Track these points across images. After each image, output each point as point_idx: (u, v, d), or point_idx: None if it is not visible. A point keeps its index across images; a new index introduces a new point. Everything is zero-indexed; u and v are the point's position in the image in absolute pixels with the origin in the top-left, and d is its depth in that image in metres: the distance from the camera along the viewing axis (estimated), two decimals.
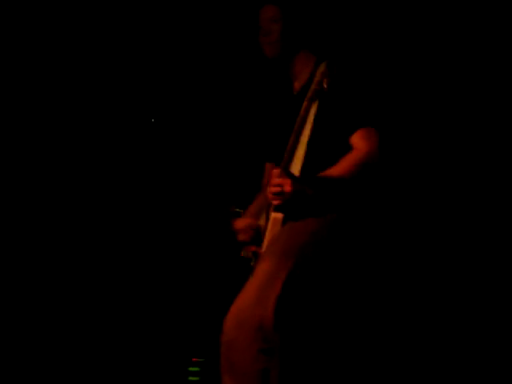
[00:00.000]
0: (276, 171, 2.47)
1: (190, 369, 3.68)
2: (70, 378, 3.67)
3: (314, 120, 2.49)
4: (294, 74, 2.78)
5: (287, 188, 2.43)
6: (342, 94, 2.59)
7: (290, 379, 2.47)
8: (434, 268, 3.42)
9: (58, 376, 3.67)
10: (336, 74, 2.47)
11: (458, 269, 3.37)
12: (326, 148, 2.63)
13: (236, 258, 2.89)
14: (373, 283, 2.96)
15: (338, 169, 2.54)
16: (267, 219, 2.68)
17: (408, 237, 3.45)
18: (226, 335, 2.46)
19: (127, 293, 3.91)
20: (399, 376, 3.21)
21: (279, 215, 2.61)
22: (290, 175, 2.47)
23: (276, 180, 2.45)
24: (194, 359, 3.67)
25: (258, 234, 2.75)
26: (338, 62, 2.51)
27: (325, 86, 2.45)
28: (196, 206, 3.96)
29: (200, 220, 3.91)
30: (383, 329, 3.13)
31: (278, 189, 2.45)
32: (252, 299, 2.48)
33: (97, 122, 3.97)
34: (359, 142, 2.58)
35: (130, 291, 3.90)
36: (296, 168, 2.55)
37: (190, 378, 3.64)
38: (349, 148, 2.61)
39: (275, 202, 2.49)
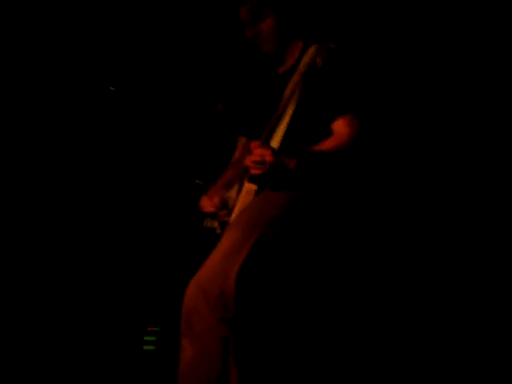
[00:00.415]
0: (258, 142, 2.46)
1: (146, 338, 3.66)
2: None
3: (300, 97, 2.50)
4: (278, 57, 2.75)
5: (268, 158, 2.42)
6: (334, 76, 2.59)
7: (247, 350, 2.46)
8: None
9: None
10: (332, 55, 2.47)
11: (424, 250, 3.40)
12: (306, 127, 2.63)
13: (198, 228, 2.89)
14: (336, 265, 2.94)
15: (320, 148, 2.55)
16: (240, 190, 2.67)
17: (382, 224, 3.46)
18: (188, 301, 2.43)
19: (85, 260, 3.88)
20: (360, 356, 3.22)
21: (253, 186, 2.59)
22: (271, 147, 2.48)
23: (257, 150, 2.44)
24: (150, 328, 3.65)
25: (224, 206, 2.73)
26: (333, 43, 2.50)
27: (319, 63, 2.45)
28: (159, 178, 3.94)
29: (163, 192, 3.89)
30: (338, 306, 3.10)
31: (258, 158, 2.43)
32: (215, 267, 2.45)
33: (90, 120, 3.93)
34: (342, 127, 2.60)
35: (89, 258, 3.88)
36: (274, 144, 2.56)
37: (146, 347, 3.62)
38: (328, 130, 2.62)
39: (254, 171, 2.47)
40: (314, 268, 2.62)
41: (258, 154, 2.44)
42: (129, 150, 3.96)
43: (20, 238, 3.82)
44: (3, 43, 3.80)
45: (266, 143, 2.51)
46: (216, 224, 2.77)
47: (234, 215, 2.64)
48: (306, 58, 2.56)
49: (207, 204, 2.74)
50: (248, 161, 2.47)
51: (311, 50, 2.57)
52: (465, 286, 3.40)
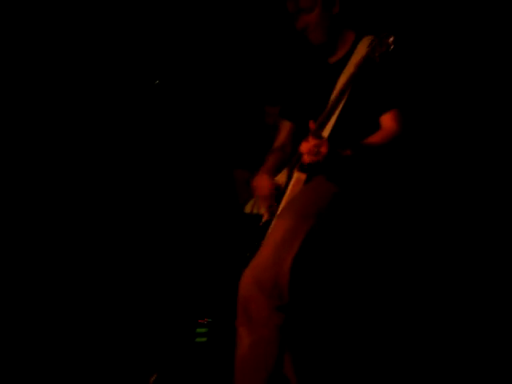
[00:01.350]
0: (312, 131, 2.48)
1: (198, 330, 3.69)
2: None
3: (355, 89, 2.53)
4: (329, 47, 2.76)
5: (323, 149, 2.44)
6: (391, 72, 2.62)
7: (300, 337, 2.49)
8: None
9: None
10: (390, 50, 2.47)
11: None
12: (357, 119, 2.66)
13: (242, 215, 2.91)
14: (387, 255, 2.95)
15: (370, 141, 2.58)
16: (289, 177, 2.69)
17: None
18: (244, 290, 2.47)
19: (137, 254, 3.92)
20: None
21: (303, 175, 2.62)
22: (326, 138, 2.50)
23: (313, 140, 2.45)
24: (201, 320, 3.68)
25: (276, 191, 2.75)
26: (389, 36, 2.50)
27: (377, 58, 2.46)
28: (200, 167, 3.96)
29: (206, 180, 3.92)
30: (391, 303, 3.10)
31: (313, 148, 2.45)
32: (269, 257, 2.49)
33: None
34: (390, 122, 2.63)
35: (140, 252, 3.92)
36: (325, 133, 2.58)
37: (198, 339, 3.66)
38: (376, 123, 2.65)
39: (308, 160, 2.48)
40: (362, 257, 2.63)
41: (313, 144, 2.46)
42: (172, 143, 3.99)
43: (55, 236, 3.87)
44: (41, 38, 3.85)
45: (318, 132, 2.52)
46: (263, 210, 2.80)
47: (283, 203, 2.66)
48: (360, 50, 2.59)
49: (262, 186, 2.76)
50: (303, 149, 2.48)
51: (365, 42, 2.60)
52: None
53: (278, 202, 2.70)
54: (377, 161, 2.62)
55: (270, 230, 2.63)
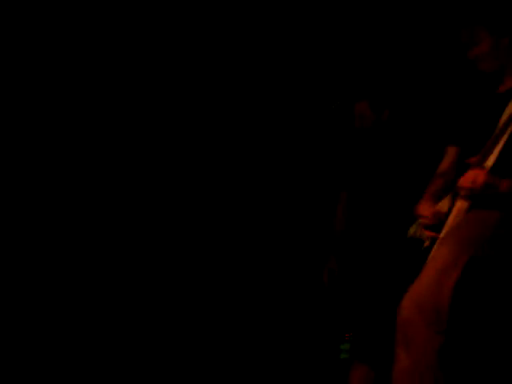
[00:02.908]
0: (474, 160, 2.55)
1: (342, 347, 3.76)
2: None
3: None
4: (498, 76, 2.82)
5: (481, 179, 2.50)
6: None
7: (458, 363, 2.53)
8: None
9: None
10: None
11: None
12: None
13: (404, 239, 2.97)
14: None
15: None
16: (451, 205, 2.74)
17: None
18: (404, 313, 2.55)
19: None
20: None
21: (465, 204, 2.67)
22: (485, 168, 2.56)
23: (472, 170, 2.53)
24: (347, 335, 3.74)
25: (437, 219, 2.81)
26: None
27: None
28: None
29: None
30: None
31: (472, 179, 2.52)
32: (430, 282, 2.57)
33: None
34: None
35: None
36: (490, 162, 2.63)
37: (342, 356, 3.73)
38: None
39: (465, 192, 2.56)
40: None
41: (472, 175, 2.53)
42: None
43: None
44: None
45: (481, 162, 2.58)
46: (425, 235, 2.86)
47: (445, 230, 2.72)
48: None
49: (427, 213, 2.83)
50: (462, 180, 2.57)
51: None
52: None
53: (440, 228, 2.76)
54: None
55: (431, 256, 2.70)
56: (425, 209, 2.84)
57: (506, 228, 2.62)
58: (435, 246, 2.72)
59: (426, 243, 2.83)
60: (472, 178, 2.55)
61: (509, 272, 2.60)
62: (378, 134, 3.78)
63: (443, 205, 2.84)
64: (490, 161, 2.63)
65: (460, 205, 2.68)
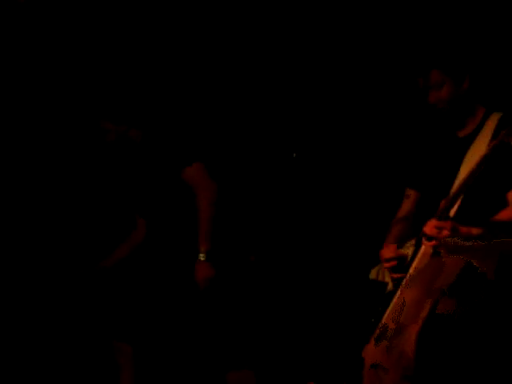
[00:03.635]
0: (438, 212, 2.62)
1: None
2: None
3: (486, 169, 2.61)
4: (458, 121, 2.89)
5: (445, 232, 2.58)
6: None
7: None
8: None
9: None
10: None
11: None
12: (485, 196, 2.75)
13: (367, 281, 3.00)
14: None
15: (498, 219, 2.67)
16: (416, 249, 2.78)
17: None
18: (371, 357, 2.57)
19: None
20: None
21: (429, 249, 2.71)
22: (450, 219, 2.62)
23: (435, 222, 2.60)
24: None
25: (402, 262, 2.85)
26: None
27: (510, 140, 2.56)
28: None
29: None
30: None
31: (435, 231, 2.59)
32: (392, 326, 2.60)
33: None
34: None
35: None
36: (453, 209, 2.68)
37: None
38: (503, 200, 2.74)
39: (431, 244, 2.63)
40: (489, 333, 2.69)
41: (436, 226, 2.60)
42: None
43: None
44: None
45: (445, 211, 2.64)
46: (387, 278, 2.89)
47: (409, 274, 2.76)
48: (489, 125, 2.72)
49: (389, 255, 2.86)
50: (427, 228, 2.63)
51: (494, 118, 2.74)
52: None
53: (404, 272, 2.80)
54: (505, 238, 2.70)
55: (395, 300, 2.73)
56: (388, 252, 2.87)
57: (470, 274, 2.68)
58: (399, 290, 2.75)
59: (389, 286, 2.87)
60: (437, 226, 2.60)
61: (472, 318, 2.65)
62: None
63: (407, 249, 2.88)
64: (454, 208, 2.69)
65: (424, 249, 2.72)
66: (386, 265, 2.85)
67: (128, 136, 3.60)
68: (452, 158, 2.84)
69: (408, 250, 2.86)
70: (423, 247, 2.72)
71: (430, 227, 2.62)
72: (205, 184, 3.57)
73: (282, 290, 3.87)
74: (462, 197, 2.69)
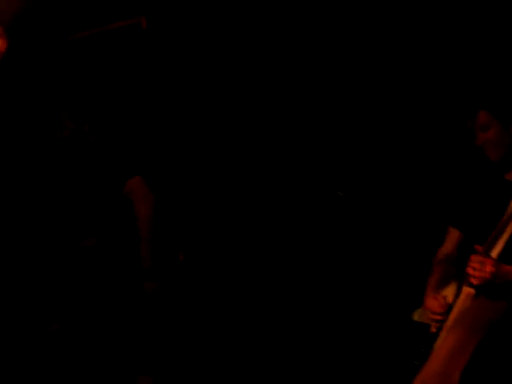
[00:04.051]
0: (480, 249, 2.61)
1: None
2: None
3: None
4: (505, 164, 2.89)
5: (489, 268, 2.58)
6: None
7: None
8: None
9: None
10: None
11: None
12: None
13: (410, 322, 3.00)
14: None
15: None
16: (458, 291, 2.78)
17: None
18: None
19: None
20: None
21: (472, 290, 2.71)
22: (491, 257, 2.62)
23: (479, 258, 2.59)
24: None
25: (445, 304, 2.84)
26: None
27: None
28: None
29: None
30: None
31: (478, 266, 2.59)
32: (438, 370, 2.61)
33: None
34: None
35: None
36: (495, 251, 2.69)
37: None
38: None
39: (474, 281, 2.62)
40: None
41: (478, 262, 2.60)
42: None
43: None
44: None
45: (487, 251, 2.65)
46: (431, 321, 2.88)
47: (452, 316, 2.76)
48: None
49: (435, 304, 2.84)
50: (469, 269, 2.64)
51: None
52: None
53: (447, 314, 2.79)
54: None
55: (438, 343, 2.73)
56: (437, 306, 2.84)
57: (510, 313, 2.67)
58: (443, 333, 2.76)
59: (433, 329, 2.87)
60: (479, 266, 2.60)
61: None
62: None
63: (448, 292, 2.88)
64: (497, 249, 2.69)
65: (467, 291, 2.72)
66: (434, 317, 2.84)
67: (82, 137, 3.71)
68: (498, 201, 2.85)
69: (450, 293, 2.86)
70: (465, 288, 2.73)
71: (473, 262, 2.62)
72: (143, 197, 3.64)
73: (323, 333, 3.88)
74: (505, 238, 2.70)
